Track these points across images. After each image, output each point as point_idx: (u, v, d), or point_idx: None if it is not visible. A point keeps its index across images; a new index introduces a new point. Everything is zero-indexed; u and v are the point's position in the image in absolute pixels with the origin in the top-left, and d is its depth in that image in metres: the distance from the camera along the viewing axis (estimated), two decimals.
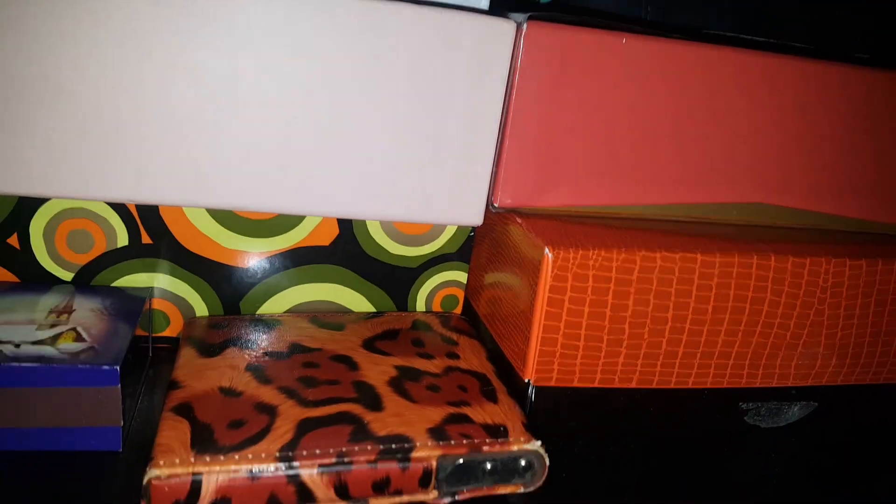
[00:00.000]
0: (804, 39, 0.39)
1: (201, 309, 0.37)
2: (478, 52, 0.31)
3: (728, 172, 0.36)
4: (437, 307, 0.40)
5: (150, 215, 0.34)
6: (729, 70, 0.34)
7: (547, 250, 0.30)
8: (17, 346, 0.28)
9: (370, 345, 0.33)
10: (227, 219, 0.35)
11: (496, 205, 0.35)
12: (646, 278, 0.31)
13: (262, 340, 0.33)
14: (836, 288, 0.34)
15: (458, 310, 0.40)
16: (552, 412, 0.32)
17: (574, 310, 0.30)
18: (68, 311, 0.32)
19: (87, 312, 0.32)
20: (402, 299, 0.39)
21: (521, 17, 0.32)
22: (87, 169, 0.30)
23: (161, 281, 0.36)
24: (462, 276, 0.40)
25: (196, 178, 0.31)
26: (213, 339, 0.33)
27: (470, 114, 0.33)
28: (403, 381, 0.30)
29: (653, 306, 0.31)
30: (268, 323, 0.35)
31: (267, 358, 0.31)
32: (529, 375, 0.31)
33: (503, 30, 0.31)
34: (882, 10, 0.40)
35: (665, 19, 0.37)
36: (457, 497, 0.27)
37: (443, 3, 0.32)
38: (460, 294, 0.40)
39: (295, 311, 0.38)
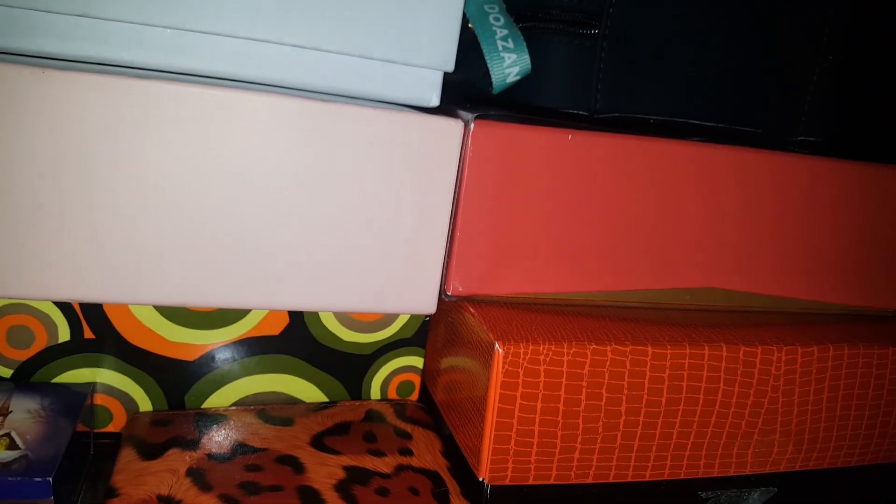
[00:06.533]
0: (751, 122, 0.40)
1: (145, 404, 0.35)
2: (427, 149, 0.32)
3: (680, 258, 0.36)
4: (392, 394, 0.39)
5: (92, 310, 0.33)
6: (675, 160, 0.35)
7: (497, 346, 0.30)
8: None
9: (319, 441, 0.32)
10: (172, 311, 0.34)
11: (449, 293, 0.35)
12: (597, 372, 0.31)
13: (205, 439, 0.32)
14: (788, 375, 0.34)
15: (415, 396, 0.40)
16: None
17: (527, 405, 0.30)
18: (4, 412, 0.30)
19: (23, 414, 0.30)
20: (356, 387, 0.38)
21: (469, 115, 0.32)
22: (28, 269, 0.30)
23: (104, 376, 0.34)
24: (418, 362, 0.39)
25: (141, 275, 0.30)
26: (154, 439, 0.32)
27: (420, 206, 0.33)
28: (351, 486, 0.29)
29: (606, 399, 0.31)
30: (213, 418, 0.34)
31: (209, 460, 0.30)
32: (484, 474, 0.30)
33: (451, 129, 0.31)
34: (828, 91, 0.41)
35: (615, 108, 0.37)
36: None
37: (395, 102, 0.33)
38: (417, 380, 0.39)
39: (243, 404, 0.37)
